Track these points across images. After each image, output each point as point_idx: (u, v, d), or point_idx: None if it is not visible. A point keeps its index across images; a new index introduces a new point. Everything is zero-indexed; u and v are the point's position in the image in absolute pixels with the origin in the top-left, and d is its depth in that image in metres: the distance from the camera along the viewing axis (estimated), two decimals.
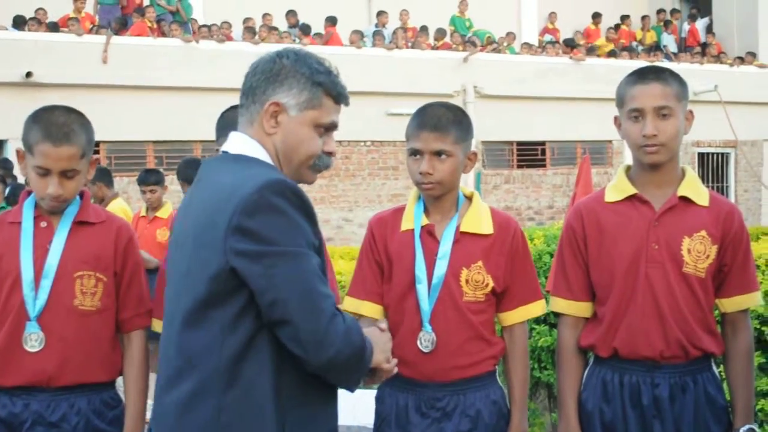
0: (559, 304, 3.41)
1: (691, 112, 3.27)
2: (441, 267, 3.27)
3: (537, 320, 5.45)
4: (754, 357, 3.44)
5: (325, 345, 2.32)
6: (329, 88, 2.60)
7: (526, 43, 20.54)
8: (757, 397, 4.51)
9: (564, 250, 3.39)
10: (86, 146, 3.20)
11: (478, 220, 3.35)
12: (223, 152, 2.62)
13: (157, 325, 3.41)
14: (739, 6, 22.34)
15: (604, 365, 3.29)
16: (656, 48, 22.42)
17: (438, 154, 3.25)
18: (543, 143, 19.27)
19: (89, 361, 3.24)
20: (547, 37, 21.80)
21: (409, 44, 18.53)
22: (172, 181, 10.65)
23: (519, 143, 19.05)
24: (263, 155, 2.55)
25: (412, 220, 3.36)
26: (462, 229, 3.32)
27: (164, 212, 8.47)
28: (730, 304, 3.27)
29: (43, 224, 3.25)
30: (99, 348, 3.28)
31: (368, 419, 3.52)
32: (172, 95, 15.39)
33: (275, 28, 17.51)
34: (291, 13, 18.85)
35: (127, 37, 15.91)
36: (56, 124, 3.12)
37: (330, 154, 2.66)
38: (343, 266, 7.82)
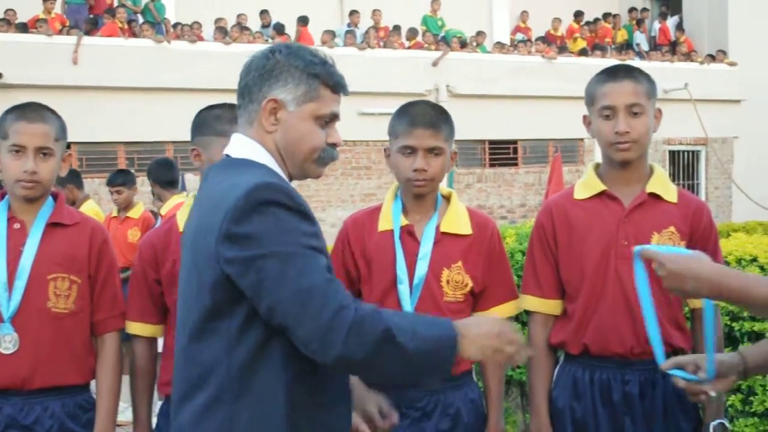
0: (530, 302, 3.41)
1: (659, 110, 3.30)
2: (422, 267, 3.28)
3: (509, 319, 5.47)
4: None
5: (328, 343, 2.20)
6: (326, 79, 2.53)
7: (498, 42, 20.59)
8: (728, 392, 4.55)
9: (534, 248, 3.41)
10: (59, 132, 3.23)
11: (456, 220, 3.37)
12: (225, 156, 2.55)
13: (130, 327, 3.40)
14: (709, 4, 22.47)
15: (574, 362, 3.30)
16: (628, 46, 22.54)
17: (432, 150, 3.27)
18: (515, 142, 19.32)
19: (63, 364, 3.23)
20: (519, 36, 21.87)
21: (382, 44, 18.54)
22: (143, 182, 10.62)
23: (491, 142, 19.09)
24: (263, 156, 2.49)
25: (391, 220, 3.36)
26: (442, 229, 3.34)
27: (135, 213, 8.46)
28: (699, 300, 3.28)
29: (17, 226, 3.24)
30: (73, 350, 3.26)
31: None
32: (143, 96, 15.32)
33: (247, 28, 17.47)
34: (264, 13, 18.84)
35: (98, 37, 15.83)
36: (30, 107, 3.20)
37: (334, 145, 2.59)
38: None
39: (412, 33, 19.66)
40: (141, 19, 17.16)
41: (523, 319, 5.45)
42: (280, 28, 18.29)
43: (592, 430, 3.24)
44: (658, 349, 2.79)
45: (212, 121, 3.31)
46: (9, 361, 3.14)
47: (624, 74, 3.22)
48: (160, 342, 3.48)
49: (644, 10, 24.52)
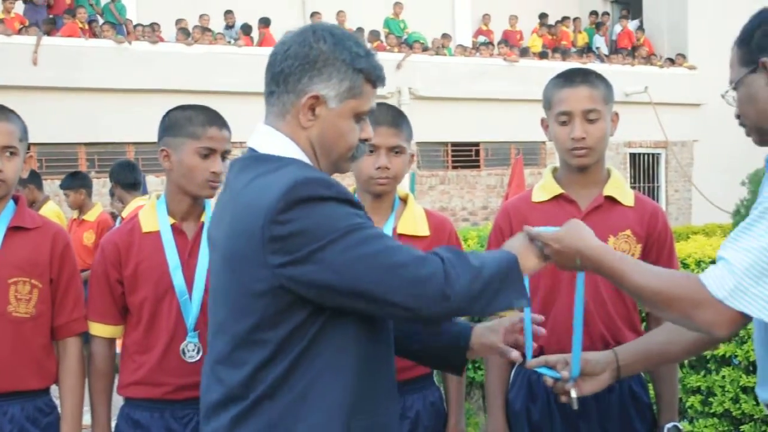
0: None
1: (616, 113, 3.30)
2: None
3: (470, 320, 5.49)
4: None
5: (429, 302, 2.13)
6: (369, 74, 2.38)
7: (460, 45, 20.66)
8: (687, 393, 4.58)
9: (492, 249, 3.41)
10: (23, 132, 3.21)
11: (413, 221, 3.37)
12: (250, 150, 2.40)
13: (89, 327, 3.37)
14: (669, 8, 22.65)
15: None
16: (589, 50, 22.68)
17: (394, 149, 3.28)
18: (477, 144, 19.39)
19: (23, 368, 3.19)
20: (481, 39, 21.94)
21: None
22: (104, 183, 10.54)
23: (453, 144, 19.15)
24: (294, 152, 2.34)
25: None
26: (399, 230, 3.34)
27: (91, 215, 8.47)
28: None
29: None
30: (33, 355, 3.23)
31: None
32: (103, 97, 15.23)
33: (209, 29, 17.40)
34: (229, 14, 18.80)
35: (58, 37, 15.71)
36: None
37: (366, 140, 2.46)
38: None
39: (374, 35, 19.67)
40: (101, 20, 17.03)
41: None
42: (246, 29, 18.25)
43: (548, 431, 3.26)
44: (576, 358, 2.77)
45: (184, 123, 3.27)
46: None
47: (581, 79, 3.20)
48: (118, 343, 3.45)
49: (605, 13, 24.68)
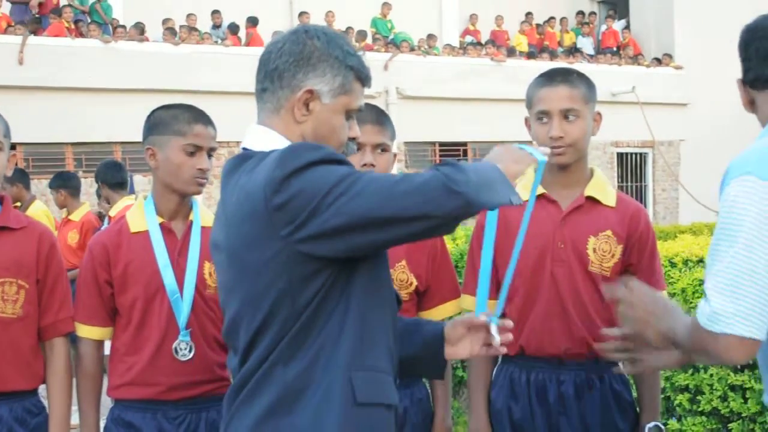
0: (469, 302, 3.41)
1: (599, 113, 3.31)
2: None
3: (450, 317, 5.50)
4: None
5: (440, 202, 2.12)
6: (360, 71, 2.43)
7: (447, 45, 20.66)
8: (675, 392, 4.59)
9: (474, 249, 3.42)
10: (5, 131, 3.20)
11: None
12: (243, 149, 2.43)
13: (77, 329, 3.36)
14: (656, 9, 22.69)
15: (511, 363, 3.31)
16: (576, 50, 22.71)
17: (379, 147, 3.30)
18: (465, 144, 19.40)
19: (11, 369, 3.18)
20: (468, 39, 21.95)
21: None
22: (92, 183, 10.52)
23: (441, 144, 19.15)
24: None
25: None
26: None
27: (77, 215, 8.49)
28: None
29: None
30: (20, 356, 3.22)
31: None
32: (90, 96, 15.18)
33: (196, 29, 17.37)
34: (216, 13, 18.77)
35: (45, 37, 15.65)
36: None
37: (354, 139, 2.52)
38: None
39: (362, 35, 19.66)
40: (89, 19, 16.98)
41: None
42: (234, 29, 18.22)
43: (530, 430, 3.26)
44: (482, 298, 2.66)
45: (170, 121, 3.28)
46: None
47: (561, 79, 3.23)
48: (107, 344, 3.44)
49: (592, 13, 24.72)
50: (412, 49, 19.37)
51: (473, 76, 18.89)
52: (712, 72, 21.13)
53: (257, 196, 2.20)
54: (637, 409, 3.33)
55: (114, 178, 7.76)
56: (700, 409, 4.45)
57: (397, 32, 20.33)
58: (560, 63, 19.03)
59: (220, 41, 17.88)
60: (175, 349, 3.24)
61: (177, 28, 17.17)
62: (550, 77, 3.26)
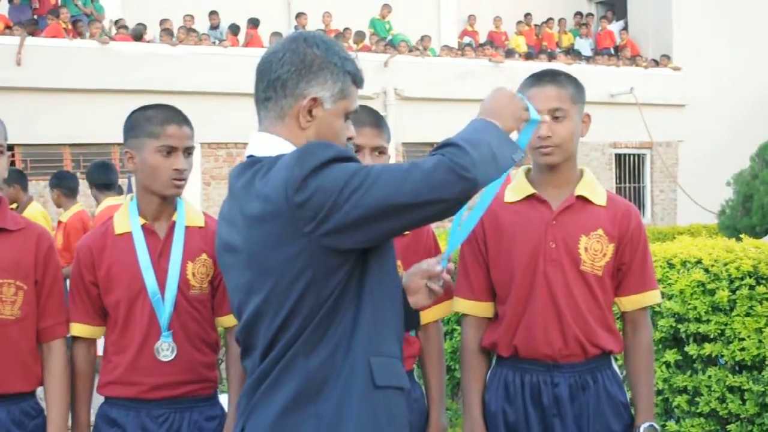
0: (461, 305, 3.41)
1: (588, 115, 3.33)
2: None
3: (459, 321, 5.49)
4: (657, 355, 3.50)
5: (451, 185, 2.24)
6: (355, 75, 2.54)
7: (445, 46, 20.66)
8: (674, 393, 4.59)
9: (465, 251, 3.41)
10: (3, 133, 3.20)
11: None
12: (248, 157, 2.51)
13: (72, 329, 3.36)
14: (654, 10, 22.71)
15: (505, 365, 3.31)
16: (574, 51, 22.71)
17: (376, 149, 3.32)
18: None
19: (9, 371, 3.17)
20: (467, 40, 21.95)
21: None
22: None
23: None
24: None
25: None
26: None
27: (65, 216, 8.52)
28: (629, 303, 3.31)
29: None
30: (19, 357, 3.21)
31: None
32: (88, 97, 15.17)
33: (194, 30, 17.36)
34: (213, 14, 18.76)
35: (42, 38, 15.64)
36: None
37: (350, 139, 2.60)
38: None
39: (360, 36, 19.65)
40: (87, 20, 16.95)
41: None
42: (234, 30, 18.21)
43: None
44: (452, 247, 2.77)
45: (144, 123, 3.29)
46: None
47: (549, 79, 3.25)
48: (99, 344, 3.45)
49: (589, 14, 24.73)
50: (410, 50, 19.37)
51: (471, 77, 18.88)
52: (710, 73, 21.20)
53: (278, 197, 2.28)
54: (632, 410, 3.33)
55: (100, 179, 7.79)
56: (698, 411, 4.45)
57: (395, 33, 20.32)
58: (558, 64, 19.05)
59: (218, 42, 17.87)
60: (157, 349, 3.25)
61: (175, 30, 17.15)
62: (538, 77, 3.29)
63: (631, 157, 21.70)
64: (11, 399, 3.19)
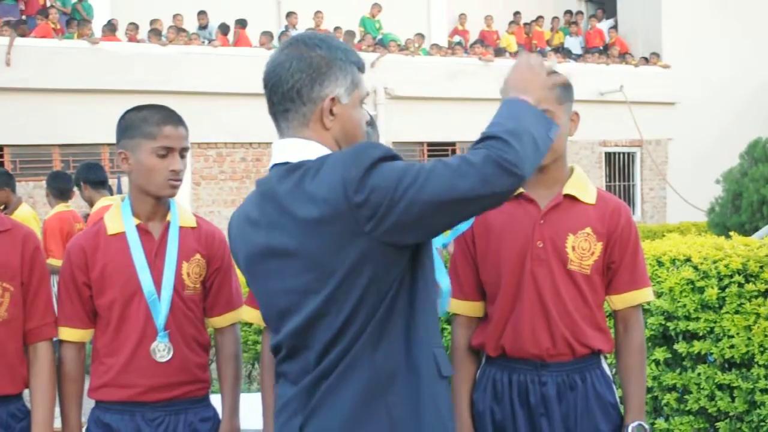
0: (452, 305, 3.39)
1: (576, 113, 3.31)
2: None
3: (449, 320, 5.49)
4: (647, 353, 3.50)
5: (499, 180, 2.29)
6: (359, 63, 2.60)
7: (435, 45, 20.66)
8: (663, 391, 4.60)
9: (455, 258, 3.41)
10: None
11: None
12: (279, 164, 2.53)
13: (61, 333, 3.35)
14: (644, 8, 22.76)
15: (493, 365, 3.30)
16: (564, 49, 22.74)
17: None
18: (453, 144, 19.39)
19: None
20: (457, 38, 21.96)
21: None
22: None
23: (429, 144, 19.16)
24: (325, 153, 2.50)
25: None
26: None
27: (48, 216, 8.53)
28: (620, 301, 3.30)
29: None
30: (6, 359, 3.20)
31: (255, 423, 3.47)
32: (78, 98, 15.14)
33: (183, 30, 17.33)
34: (202, 14, 18.72)
35: (31, 38, 15.60)
36: None
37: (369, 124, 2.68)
38: None
39: (350, 35, 19.63)
40: (77, 20, 16.91)
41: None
42: (224, 29, 18.18)
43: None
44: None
45: (139, 124, 3.28)
46: None
47: None
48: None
49: (579, 13, 24.76)
50: (400, 49, 19.37)
51: (462, 76, 18.89)
52: (699, 71, 21.25)
53: (337, 198, 2.33)
54: (621, 409, 3.33)
55: (96, 176, 7.78)
56: (687, 409, 4.45)
57: (385, 32, 20.32)
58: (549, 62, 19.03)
59: (207, 42, 17.84)
60: (153, 350, 3.25)
61: (164, 29, 17.12)
62: None
63: (621, 156, 21.74)
64: None
